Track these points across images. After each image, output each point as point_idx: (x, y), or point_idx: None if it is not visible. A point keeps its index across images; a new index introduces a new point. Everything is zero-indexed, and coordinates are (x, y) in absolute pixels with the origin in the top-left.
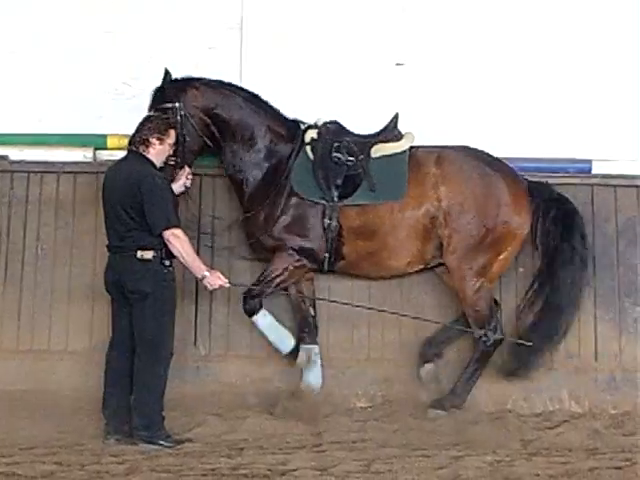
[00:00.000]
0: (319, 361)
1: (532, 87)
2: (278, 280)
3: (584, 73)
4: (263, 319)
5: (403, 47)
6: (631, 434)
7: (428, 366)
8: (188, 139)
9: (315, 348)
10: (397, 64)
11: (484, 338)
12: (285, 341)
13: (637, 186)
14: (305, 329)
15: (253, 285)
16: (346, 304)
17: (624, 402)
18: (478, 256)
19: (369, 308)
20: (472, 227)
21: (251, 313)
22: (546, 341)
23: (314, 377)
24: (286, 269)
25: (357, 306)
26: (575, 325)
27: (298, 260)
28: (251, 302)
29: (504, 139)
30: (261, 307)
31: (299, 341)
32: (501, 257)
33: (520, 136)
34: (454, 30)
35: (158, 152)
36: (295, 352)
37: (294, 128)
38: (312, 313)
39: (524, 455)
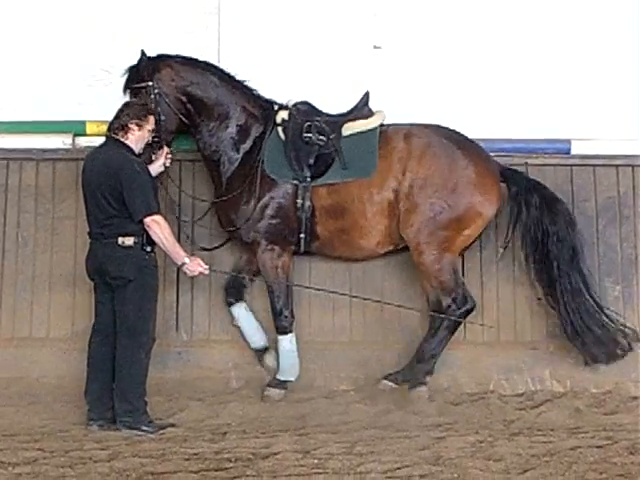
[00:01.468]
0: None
1: (510, 68)
2: (281, 277)
3: (562, 53)
4: (285, 343)
5: (380, 30)
6: (612, 413)
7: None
8: (163, 118)
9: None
10: (375, 47)
11: (452, 307)
12: (256, 337)
13: (616, 165)
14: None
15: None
16: (322, 290)
17: (605, 381)
18: (438, 231)
19: (353, 296)
20: (433, 202)
21: (278, 331)
22: (580, 337)
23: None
24: (276, 267)
25: (337, 293)
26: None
27: (277, 251)
28: (278, 320)
29: (483, 120)
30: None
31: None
32: (465, 233)
33: (499, 117)
34: (431, 13)
35: (137, 138)
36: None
37: (268, 109)
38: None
39: (506, 435)
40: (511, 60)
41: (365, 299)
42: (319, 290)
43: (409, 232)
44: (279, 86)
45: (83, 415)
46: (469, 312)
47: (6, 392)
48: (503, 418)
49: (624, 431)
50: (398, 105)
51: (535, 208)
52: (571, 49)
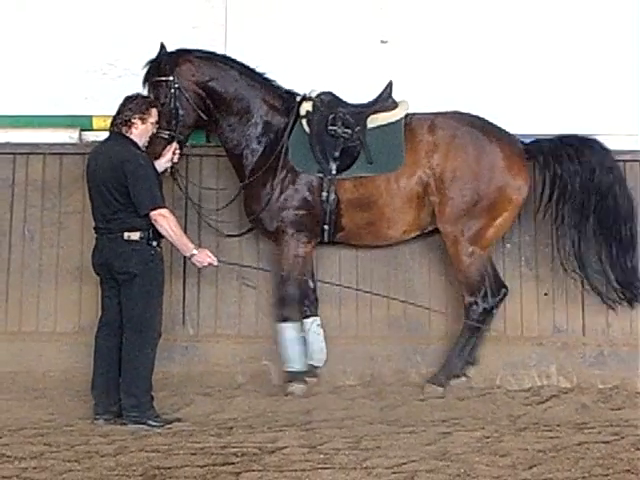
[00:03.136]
0: (322, 333)
1: (514, 64)
2: (297, 269)
3: (583, 48)
4: (290, 331)
5: (387, 24)
6: (619, 408)
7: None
8: (182, 112)
9: (317, 320)
10: (382, 41)
11: (474, 307)
12: (295, 361)
13: (623, 161)
14: (305, 301)
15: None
16: (338, 285)
17: (612, 377)
18: (471, 222)
19: (362, 291)
20: (465, 193)
21: (282, 320)
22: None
23: (318, 351)
24: (297, 255)
25: (350, 288)
26: (562, 300)
27: (302, 240)
28: (284, 308)
29: (487, 116)
30: (291, 318)
31: (301, 315)
32: (497, 222)
33: (502, 112)
34: (437, 7)
35: (141, 132)
36: (293, 374)
37: (290, 100)
38: (311, 285)
39: (512, 430)
40: (515, 56)
41: (376, 295)
42: (337, 286)
43: (447, 226)
44: (285, 81)
45: (89, 409)
46: (487, 311)
47: (12, 386)
48: (509, 413)
49: (631, 427)
50: (405, 99)
51: (568, 159)
52: (575, 44)
